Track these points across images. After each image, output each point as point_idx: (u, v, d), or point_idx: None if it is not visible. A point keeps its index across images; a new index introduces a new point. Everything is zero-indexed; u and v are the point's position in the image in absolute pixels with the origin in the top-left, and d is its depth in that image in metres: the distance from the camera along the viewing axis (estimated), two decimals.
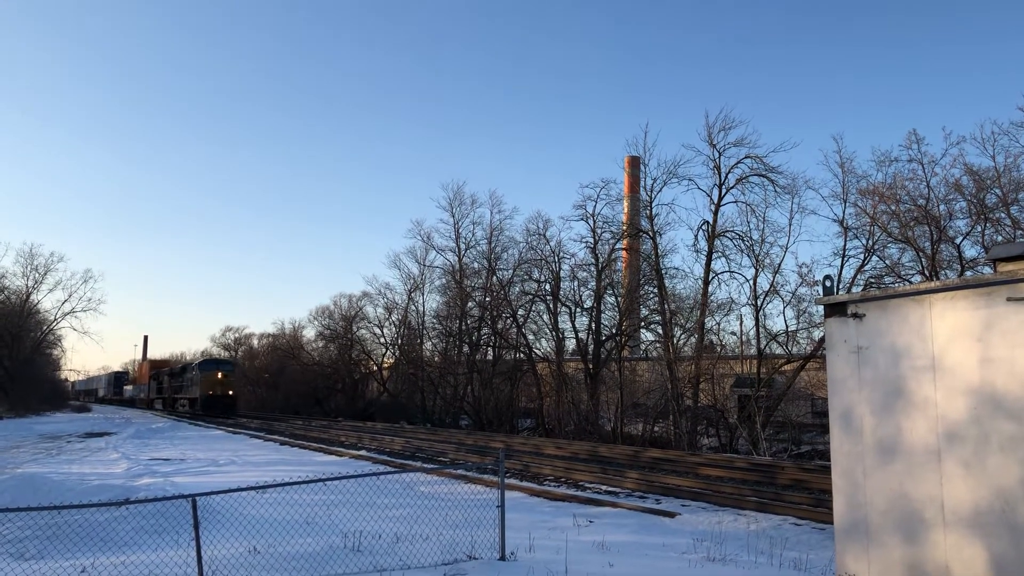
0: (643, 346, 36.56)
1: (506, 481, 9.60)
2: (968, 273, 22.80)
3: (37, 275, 69.44)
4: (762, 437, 25.00)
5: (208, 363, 63.80)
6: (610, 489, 15.41)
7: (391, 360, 55.12)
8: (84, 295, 72.58)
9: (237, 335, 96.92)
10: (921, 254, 24.63)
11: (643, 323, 35.16)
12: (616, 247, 35.20)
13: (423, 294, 49.90)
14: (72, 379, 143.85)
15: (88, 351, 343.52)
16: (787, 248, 28.01)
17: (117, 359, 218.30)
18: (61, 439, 32.43)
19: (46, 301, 76.08)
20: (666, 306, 30.94)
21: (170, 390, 71.35)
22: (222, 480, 16.24)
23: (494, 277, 41.39)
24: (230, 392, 59.74)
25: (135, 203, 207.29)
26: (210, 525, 8.95)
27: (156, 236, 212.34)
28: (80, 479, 14.45)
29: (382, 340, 56.16)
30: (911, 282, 23.77)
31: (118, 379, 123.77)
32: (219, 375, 59.64)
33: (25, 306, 69.36)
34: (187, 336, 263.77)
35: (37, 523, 9.37)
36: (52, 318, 72.91)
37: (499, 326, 40.39)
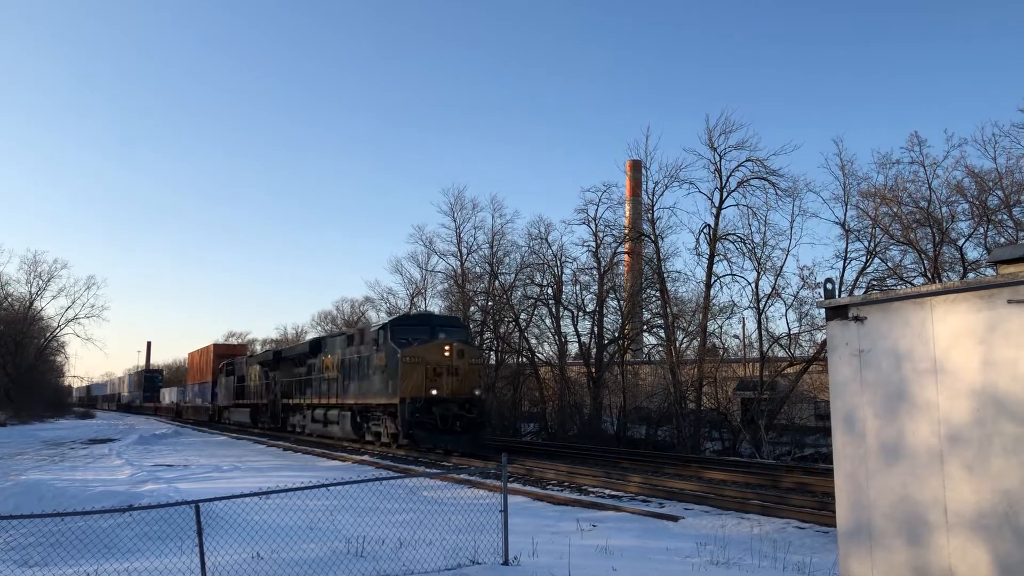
0: (646, 349, 36.54)
1: (509, 485, 9.60)
2: (970, 275, 22.77)
3: (40, 282, 69.62)
4: (765, 440, 24.97)
5: (411, 323, 27.34)
6: (613, 493, 15.40)
7: None
8: (87, 301, 72.52)
9: (240, 340, 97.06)
10: (923, 256, 24.60)
11: (645, 327, 35.15)
12: (618, 251, 35.23)
13: (425, 299, 49.78)
14: (83, 383, 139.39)
15: (91, 357, 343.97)
16: (789, 251, 27.96)
17: (120, 365, 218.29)
18: (64, 446, 32.43)
19: (49, 308, 76.39)
20: (668, 309, 30.94)
21: (275, 391, 38.78)
22: (225, 486, 16.22)
23: (496, 281, 41.37)
24: (475, 392, 25.45)
25: (137, 209, 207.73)
26: (213, 531, 8.96)
27: (157, 242, 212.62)
28: (83, 486, 14.45)
29: None
30: (913, 284, 23.75)
31: (150, 380, 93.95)
32: (446, 350, 24.97)
33: (28, 313, 69.52)
34: (189, 342, 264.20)
35: (41, 530, 9.37)
36: (55, 324, 73.12)
37: (501, 330, 40.35)
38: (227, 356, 53.55)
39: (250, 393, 43.65)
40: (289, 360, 37.86)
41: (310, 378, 33.65)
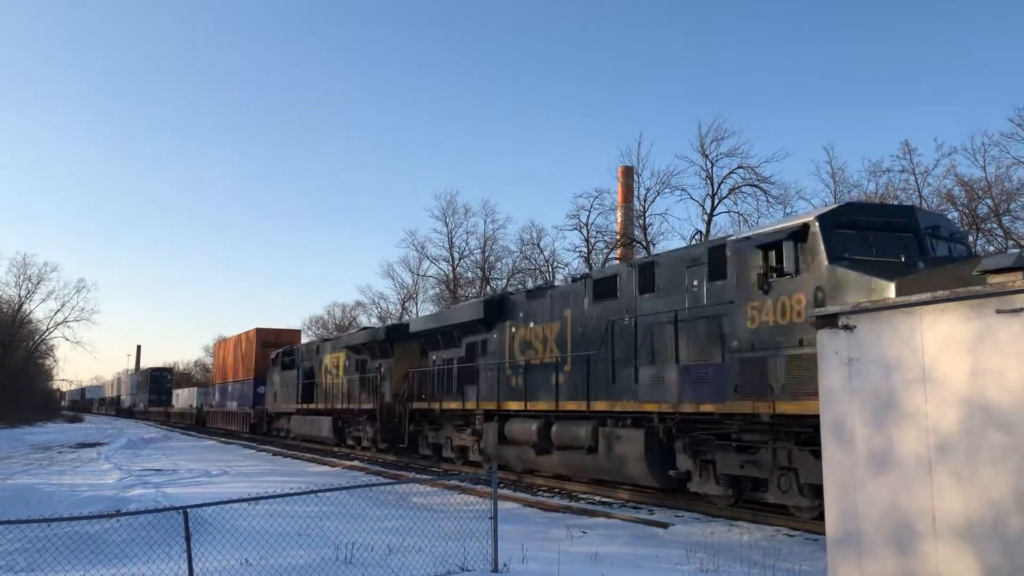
0: None
1: (499, 492, 9.59)
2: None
3: (30, 285, 69.57)
4: None
5: (868, 221, 11.30)
6: (603, 500, 15.38)
7: None
8: (77, 305, 72.42)
9: None
10: None
11: None
12: (610, 256, 35.35)
13: (417, 304, 49.91)
14: (72, 386, 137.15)
15: (80, 361, 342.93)
16: None
17: (110, 369, 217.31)
18: (53, 450, 32.27)
19: (39, 311, 76.04)
20: None
21: (385, 389, 25.25)
22: (214, 491, 16.16)
23: (488, 287, 41.45)
24: None
25: (128, 212, 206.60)
26: (202, 537, 8.92)
27: (148, 245, 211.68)
28: (71, 490, 14.38)
29: None
30: None
31: (157, 380, 78.96)
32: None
33: (17, 316, 69.32)
34: (179, 346, 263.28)
35: (27, 535, 9.31)
36: (44, 328, 73.10)
37: None
38: (277, 344, 39.55)
39: (329, 393, 30.03)
40: (417, 339, 23.86)
41: (475, 366, 19.93)
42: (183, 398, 66.51)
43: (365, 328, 32.88)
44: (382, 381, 25.34)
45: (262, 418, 39.80)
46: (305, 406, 32.35)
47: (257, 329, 42.59)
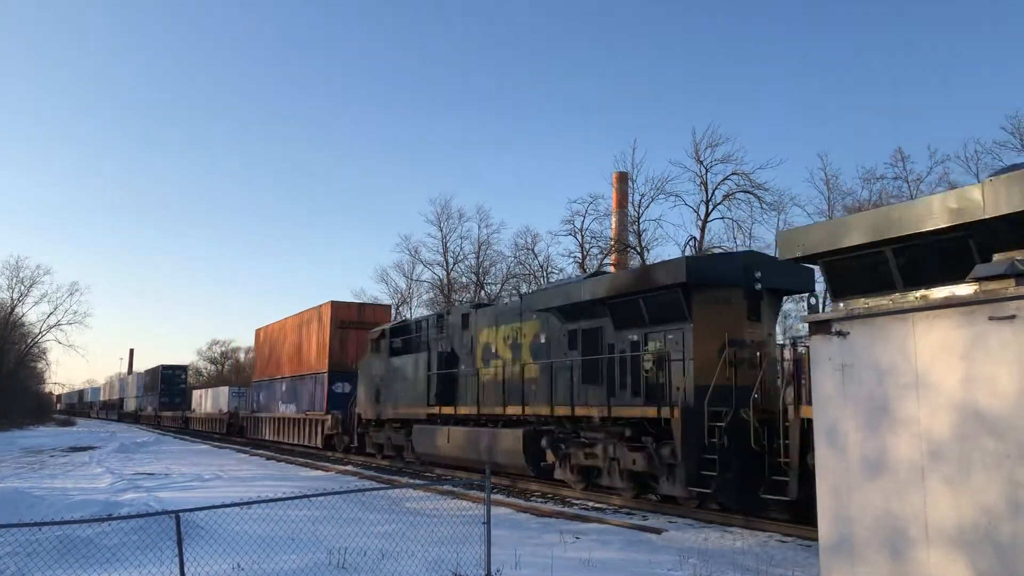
0: None
1: (493, 497, 9.57)
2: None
3: (23, 288, 69.35)
4: None
5: None
6: (597, 505, 15.37)
7: None
8: (70, 308, 72.16)
9: (224, 348, 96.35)
10: None
11: None
12: (604, 262, 35.40)
13: (411, 308, 49.79)
14: (64, 390, 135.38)
15: (72, 364, 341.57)
16: None
17: (102, 372, 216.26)
18: (44, 453, 32.12)
19: (31, 314, 75.77)
20: None
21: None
22: (207, 495, 16.10)
23: (482, 292, 41.46)
24: None
25: (123, 216, 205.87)
26: (194, 541, 8.88)
27: (141, 249, 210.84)
28: (63, 494, 14.31)
29: None
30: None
31: (169, 380, 67.07)
32: None
33: (9, 319, 69.04)
34: (172, 352, 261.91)
35: (17, 539, 9.25)
36: (37, 331, 72.85)
37: None
38: (360, 324, 30.42)
39: (508, 389, 18.41)
40: (747, 285, 14.46)
41: None
42: (208, 401, 53.13)
43: (596, 274, 19.73)
44: (662, 365, 14.19)
45: (347, 428, 27.96)
46: (445, 411, 20.89)
47: (332, 303, 31.30)
